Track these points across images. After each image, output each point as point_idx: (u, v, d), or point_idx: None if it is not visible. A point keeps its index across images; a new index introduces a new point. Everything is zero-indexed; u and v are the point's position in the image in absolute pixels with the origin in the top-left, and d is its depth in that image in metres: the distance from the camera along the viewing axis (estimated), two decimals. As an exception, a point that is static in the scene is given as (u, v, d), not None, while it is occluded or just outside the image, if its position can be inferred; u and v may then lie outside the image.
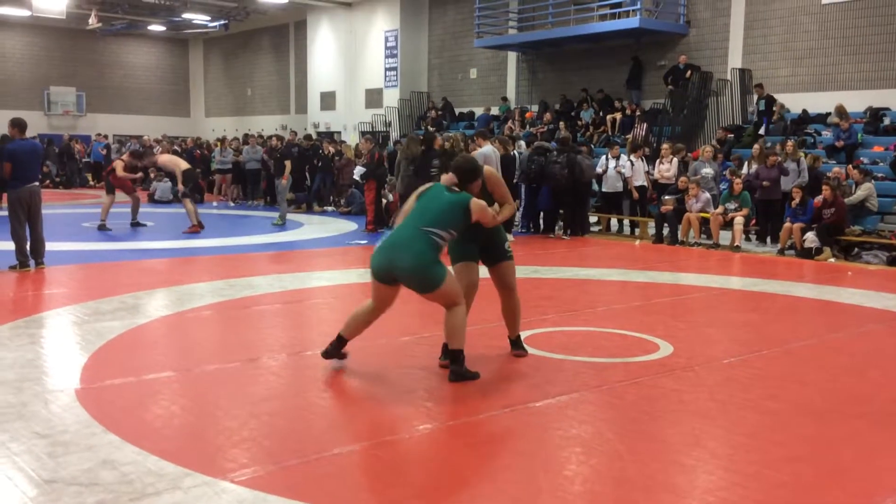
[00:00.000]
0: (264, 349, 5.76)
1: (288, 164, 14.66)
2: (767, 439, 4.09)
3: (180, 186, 13.57)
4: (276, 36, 32.16)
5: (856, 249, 11.64)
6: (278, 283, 8.54)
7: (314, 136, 22.30)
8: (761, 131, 16.25)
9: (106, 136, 28.68)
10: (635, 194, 14.22)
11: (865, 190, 12.31)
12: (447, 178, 5.28)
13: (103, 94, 34.34)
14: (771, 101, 16.63)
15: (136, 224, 13.92)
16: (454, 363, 5.04)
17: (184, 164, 14.09)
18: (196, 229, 13.14)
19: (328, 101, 28.60)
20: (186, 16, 29.67)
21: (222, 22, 29.60)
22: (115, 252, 11.00)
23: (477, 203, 5.08)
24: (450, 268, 5.18)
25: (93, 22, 28.30)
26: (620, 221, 14.89)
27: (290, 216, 15.69)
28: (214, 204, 19.75)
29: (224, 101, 35.66)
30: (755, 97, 17.14)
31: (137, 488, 3.31)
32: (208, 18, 29.98)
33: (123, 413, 4.29)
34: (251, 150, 19.32)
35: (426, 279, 4.91)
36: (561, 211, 13.98)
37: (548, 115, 20.23)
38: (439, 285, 4.91)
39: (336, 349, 5.28)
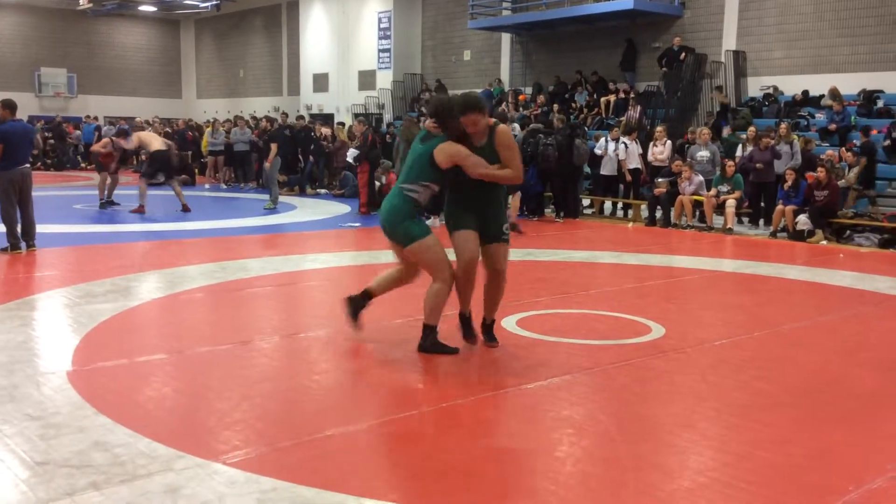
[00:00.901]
0: (256, 331, 5.75)
1: (274, 146, 14.36)
2: (758, 420, 4.11)
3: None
4: (268, 17, 31.94)
5: (848, 232, 11.67)
6: (270, 265, 8.52)
7: (307, 118, 22.14)
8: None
9: (96, 118, 28.51)
10: (628, 177, 14.21)
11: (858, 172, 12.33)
12: (428, 123, 5.07)
13: (94, 75, 34.08)
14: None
15: (107, 203, 13.89)
16: (423, 337, 5.17)
17: (157, 144, 13.74)
18: (142, 210, 13.10)
19: (321, 82, 28.46)
20: (178, -4, 29.47)
21: (214, 2, 29.37)
22: (106, 234, 10.96)
23: (442, 149, 4.86)
24: (432, 237, 5.00)
25: (84, 2, 28.07)
26: (614, 204, 14.89)
27: (282, 199, 15.62)
28: (206, 186, 19.69)
29: (216, 83, 35.44)
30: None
31: (129, 470, 3.31)
32: (200, -1, 29.78)
33: (115, 395, 4.28)
34: (240, 132, 19.24)
35: (398, 233, 4.99)
36: (548, 193, 14.00)
37: (541, 98, 20.18)
38: (413, 240, 4.95)
39: (360, 301, 5.41)
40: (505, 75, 23.15)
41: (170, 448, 3.53)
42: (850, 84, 15.78)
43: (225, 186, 19.73)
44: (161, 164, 13.67)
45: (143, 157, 19.73)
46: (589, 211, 15.07)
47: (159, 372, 4.74)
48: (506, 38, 23.28)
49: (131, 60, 35.66)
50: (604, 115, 18.92)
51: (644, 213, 13.70)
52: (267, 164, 14.54)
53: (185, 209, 13.45)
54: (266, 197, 15.11)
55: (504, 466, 3.52)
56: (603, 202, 15.03)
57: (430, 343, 5.16)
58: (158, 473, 3.28)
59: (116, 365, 4.83)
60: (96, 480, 3.22)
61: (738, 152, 13.69)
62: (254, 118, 22.85)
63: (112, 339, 5.46)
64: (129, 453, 3.47)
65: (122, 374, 4.66)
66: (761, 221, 13.04)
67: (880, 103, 15.39)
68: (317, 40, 28.32)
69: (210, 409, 4.11)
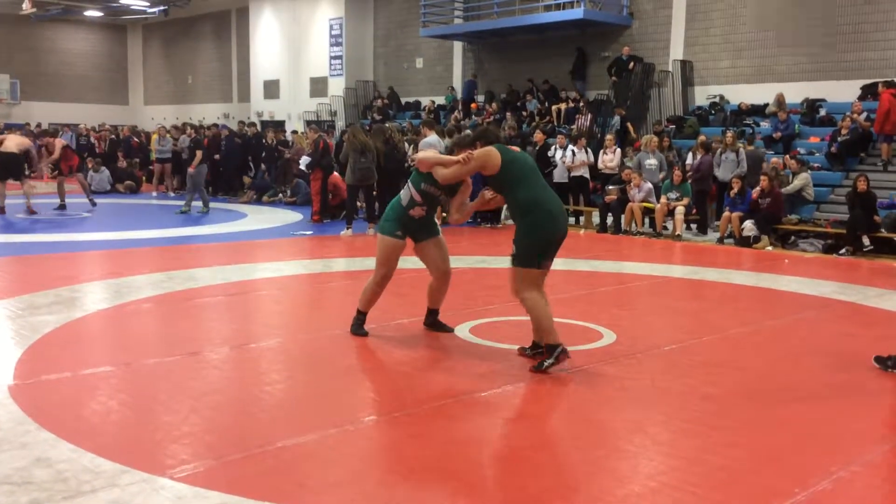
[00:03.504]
0: (205, 342, 5.66)
1: (198, 153, 14.75)
2: (707, 424, 4.17)
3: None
4: (217, 22, 31.59)
5: (793, 238, 11.94)
6: (220, 274, 8.40)
7: (258, 125, 21.94)
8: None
9: (39, 125, 27.85)
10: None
11: (802, 180, 12.64)
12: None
13: (39, 81, 33.32)
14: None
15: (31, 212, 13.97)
16: (355, 323, 5.82)
17: (9, 146, 13.83)
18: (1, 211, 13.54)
19: (272, 89, 28.22)
20: (124, 1, 28.95)
21: (162, 7, 28.96)
22: (49, 244, 10.69)
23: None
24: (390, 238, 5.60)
25: (27, 7, 27.44)
26: (566, 211, 15.00)
27: (235, 206, 15.46)
28: (154, 194, 19.34)
29: (164, 89, 34.91)
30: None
31: (73, 486, 3.22)
32: (147, 4, 29.31)
33: (59, 409, 4.17)
34: (188, 139, 19.01)
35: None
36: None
37: (494, 105, 20.29)
38: (378, 232, 5.71)
39: (432, 321, 6.02)
40: (457, 83, 23.24)
41: (115, 463, 3.44)
42: (794, 93, 16.18)
43: (173, 194, 19.41)
44: (2, 165, 13.80)
45: (90, 165, 19.49)
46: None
47: (105, 385, 4.62)
48: (458, 46, 23.39)
49: (77, 66, 34.96)
50: (555, 123, 19.09)
51: (595, 220, 13.84)
52: (191, 169, 14.80)
53: (31, 212, 13.77)
54: (223, 205, 15.10)
55: (457, 475, 3.50)
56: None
57: (355, 326, 5.83)
58: (103, 489, 3.19)
59: (60, 378, 4.70)
60: (38, 498, 3.12)
61: (689, 160, 13.91)
62: (201, 125, 22.55)
63: (56, 351, 5.32)
64: (72, 469, 3.38)
65: (66, 388, 4.54)
66: (705, 228, 13.28)
67: (823, 112, 15.80)
68: (267, 47, 28.08)
69: (157, 423, 4.02)
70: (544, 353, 5.03)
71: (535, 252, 4.97)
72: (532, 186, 5.01)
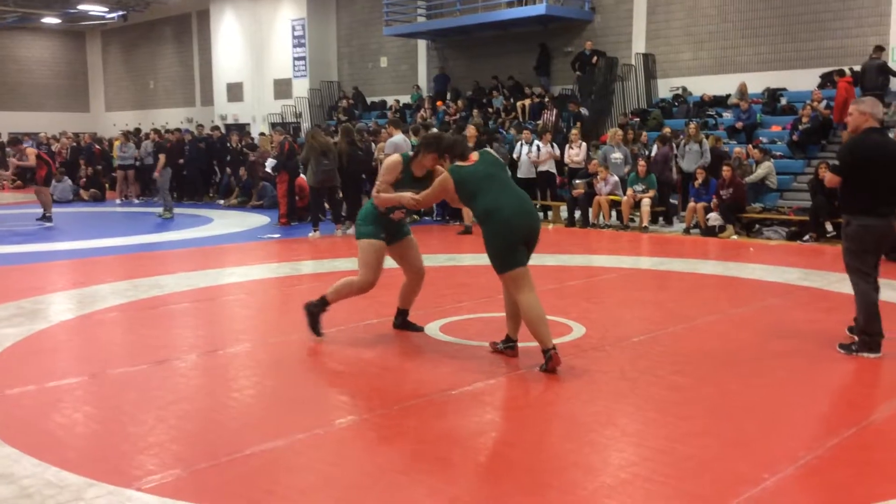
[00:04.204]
0: (172, 350, 5.59)
1: (161, 157, 14.76)
2: (676, 414, 4.20)
3: None
4: (178, 26, 31.25)
5: (757, 226, 12.09)
6: (187, 281, 8.31)
7: (222, 129, 21.73)
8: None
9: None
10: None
11: (765, 168, 12.80)
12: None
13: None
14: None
15: None
16: (315, 303, 5.73)
17: None
18: None
19: (235, 92, 27.99)
20: (82, 7, 28.52)
21: (120, 13, 28.59)
22: (9, 256, 10.50)
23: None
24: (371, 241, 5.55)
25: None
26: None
27: (201, 211, 15.32)
28: (118, 202, 19.08)
29: (125, 95, 34.48)
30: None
31: (37, 501, 3.16)
32: (106, 9, 28.91)
33: (22, 424, 4.09)
34: (150, 145, 18.80)
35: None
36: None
37: (460, 103, 20.29)
38: (358, 238, 5.60)
39: (402, 322, 6.00)
40: (423, 81, 23.21)
41: (80, 476, 3.39)
42: (755, 83, 16.38)
43: (137, 201, 19.18)
44: None
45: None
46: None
47: (69, 397, 4.55)
48: (422, 44, 23.36)
49: (36, 74, 34.42)
50: (521, 119, 19.14)
51: (563, 214, 13.90)
52: (156, 175, 14.84)
53: None
54: (188, 211, 15.01)
55: (430, 475, 3.49)
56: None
57: (314, 310, 5.75)
58: (68, 504, 3.14)
59: (23, 392, 4.62)
60: (1, 515, 3.06)
61: (653, 152, 14.01)
62: (167, 130, 22.30)
63: (19, 364, 5.22)
64: (36, 484, 3.32)
65: (29, 402, 4.46)
66: (668, 219, 13.40)
67: (784, 101, 16.01)
68: (229, 49, 27.84)
69: (123, 434, 3.96)
70: (515, 348, 5.20)
71: (504, 255, 4.95)
72: (487, 195, 4.97)
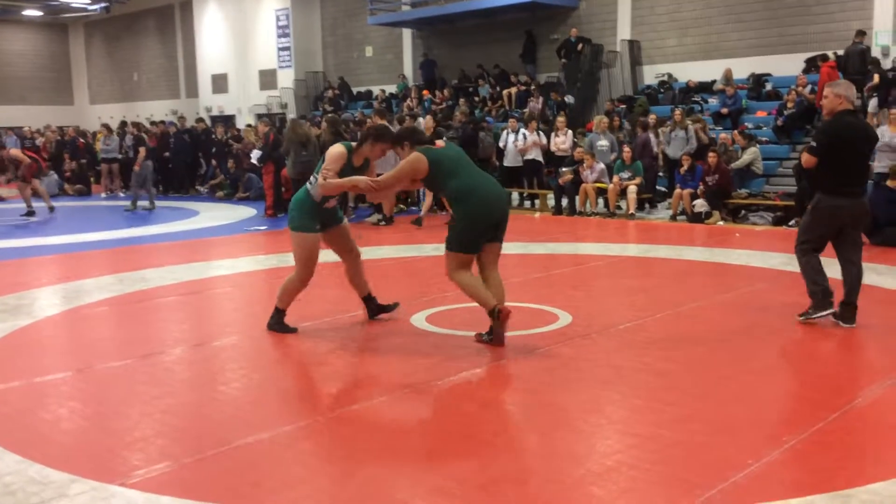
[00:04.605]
0: (157, 345, 5.56)
1: (141, 150, 14.88)
2: (661, 400, 4.21)
3: None
4: (161, 17, 31.01)
5: (743, 212, 12.12)
6: (172, 274, 8.26)
7: (207, 121, 21.58)
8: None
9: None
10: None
11: (751, 154, 12.82)
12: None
13: (-20, 84, 32.49)
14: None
15: None
16: (273, 317, 5.72)
17: None
18: None
19: (220, 83, 27.83)
20: (64, -1, 28.30)
21: (103, 4, 28.32)
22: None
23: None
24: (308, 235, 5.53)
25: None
26: (520, 195, 15.06)
27: (187, 204, 15.26)
28: (103, 195, 18.95)
29: (109, 88, 34.21)
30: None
31: (20, 499, 3.14)
32: (88, 1, 28.62)
33: (6, 420, 4.06)
34: (130, 136, 18.74)
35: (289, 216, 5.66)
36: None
37: (446, 92, 20.23)
38: (291, 230, 5.56)
39: (375, 307, 5.99)
40: (408, 71, 23.13)
41: (63, 473, 3.36)
42: (740, 69, 16.40)
43: (122, 194, 19.04)
44: None
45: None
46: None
47: (54, 393, 4.52)
48: (407, 33, 23.26)
49: (19, 67, 34.09)
50: (508, 108, 19.11)
51: (550, 202, 13.90)
52: (136, 168, 14.90)
53: None
54: (174, 203, 15.01)
55: (415, 464, 3.49)
56: (510, 193, 15.15)
57: (276, 323, 5.71)
58: (52, 500, 3.12)
59: (7, 388, 4.58)
60: (-17, 513, 3.04)
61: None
62: (152, 123, 22.15)
63: (2, 361, 5.18)
64: (18, 481, 3.29)
65: (13, 398, 4.42)
66: (654, 206, 13.45)
67: (769, 86, 16.04)
68: (213, 40, 27.66)
69: (108, 429, 3.94)
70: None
71: (467, 238, 5.13)
72: (462, 175, 5.14)
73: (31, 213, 13.98)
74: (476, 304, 5.31)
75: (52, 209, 14.48)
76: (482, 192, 5.11)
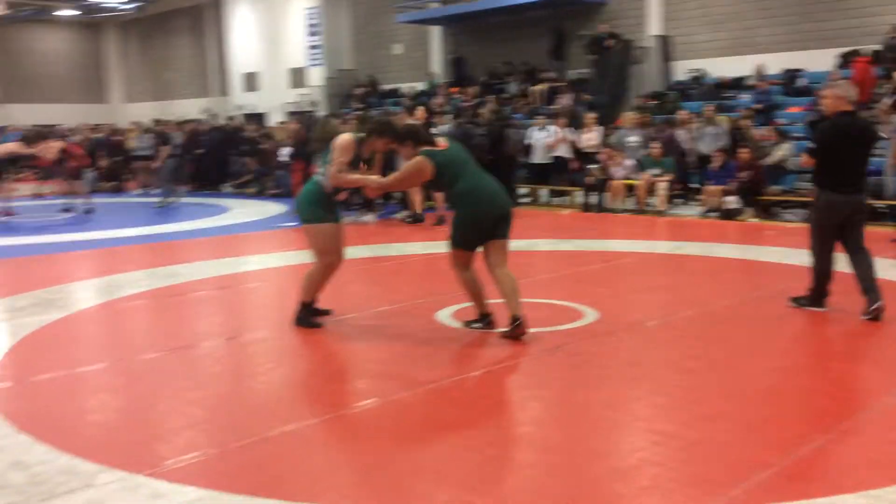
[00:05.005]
0: (188, 338, 5.64)
1: (163, 149, 15.27)
2: (686, 399, 4.18)
3: None
4: (192, 17, 31.30)
5: (775, 208, 11.96)
6: (204, 269, 8.35)
7: (241, 119, 21.76)
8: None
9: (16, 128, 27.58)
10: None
11: (783, 150, 12.63)
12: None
13: (18, 83, 32.93)
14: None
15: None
16: (298, 311, 5.65)
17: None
18: None
19: (251, 82, 28.05)
20: (96, -1, 28.68)
21: (136, 4, 28.66)
22: (27, 247, 10.59)
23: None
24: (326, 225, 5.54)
25: (1, 9, 27.12)
26: (550, 191, 15.01)
27: (218, 201, 15.45)
28: (136, 192, 19.18)
29: (143, 86, 34.62)
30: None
31: (49, 488, 3.20)
32: (121, 0, 28.99)
33: (39, 411, 4.14)
34: (151, 136, 19.02)
35: (297, 211, 5.71)
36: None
37: (475, 89, 20.18)
38: (306, 223, 5.58)
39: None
40: (437, 68, 23.12)
41: (92, 463, 3.42)
42: (772, 64, 16.16)
43: (155, 191, 19.25)
44: None
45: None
46: (526, 200, 15.15)
47: (86, 385, 4.60)
48: (435, 30, 23.25)
49: (55, 67, 34.61)
50: (537, 105, 19.01)
51: (579, 199, 13.82)
52: (157, 164, 15.37)
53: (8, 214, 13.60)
54: (203, 200, 15.27)
55: (440, 460, 3.50)
56: (537, 190, 15.12)
57: (302, 318, 5.66)
58: (79, 490, 3.18)
59: (41, 380, 4.67)
60: (14, 501, 3.10)
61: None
62: (186, 121, 22.36)
63: (37, 353, 5.28)
64: (47, 471, 3.36)
65: (47, 390, 4.51)
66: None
67: (801, 82, 15.80)
68: (244, 39, 27.89)
69: (138, 420, 4.00)
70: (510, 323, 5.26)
71: (468, 236, 5.28)
72: (466, 176, 5.26)
73: (90, 210, 14.09)
74: (502, 301, 5.30)
75: (89, 211, 14.39)
76: (482, 192, 5.25)
